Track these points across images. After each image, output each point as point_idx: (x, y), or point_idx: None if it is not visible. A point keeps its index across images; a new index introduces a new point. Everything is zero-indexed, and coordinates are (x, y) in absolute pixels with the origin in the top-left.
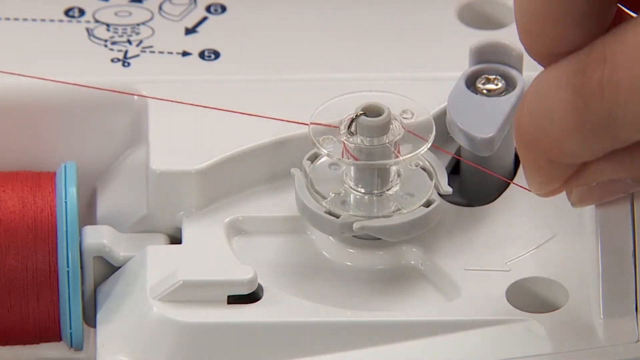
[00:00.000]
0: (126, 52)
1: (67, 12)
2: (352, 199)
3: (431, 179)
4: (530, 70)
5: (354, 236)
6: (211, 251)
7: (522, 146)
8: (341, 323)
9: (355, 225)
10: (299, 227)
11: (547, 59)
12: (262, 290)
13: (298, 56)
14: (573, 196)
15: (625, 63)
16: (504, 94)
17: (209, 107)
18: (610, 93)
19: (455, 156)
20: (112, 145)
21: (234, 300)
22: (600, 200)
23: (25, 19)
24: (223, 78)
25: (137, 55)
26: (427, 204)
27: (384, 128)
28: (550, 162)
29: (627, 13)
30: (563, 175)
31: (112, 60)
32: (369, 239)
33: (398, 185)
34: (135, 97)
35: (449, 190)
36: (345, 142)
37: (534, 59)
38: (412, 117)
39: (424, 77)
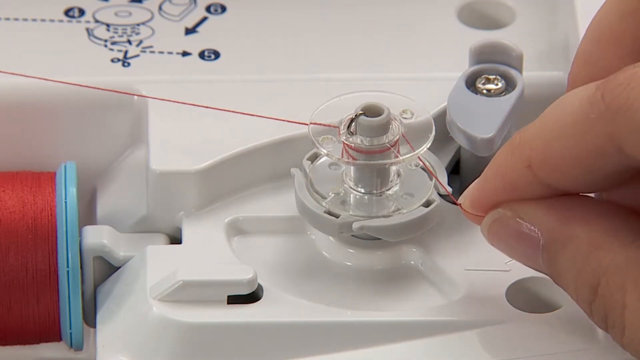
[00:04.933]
0: (126, 52)
1: (67, 12)
2: (351, 199)
3: (431, 179)
4: (530, 70)
5: (354, 236)
6: (211, 251)
7: (510, 155)
8: (341, 323)
9: (355, 225)
10: (299, 227)
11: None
12: (262, 290)
13: (298, 56)
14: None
15: None
16: (504, 94)
17: (209, 107)
18: None
19: None
20: (112, 145)
21: (234, 300)
22: (508, 244)
23: (25, 19)
24: (223, 78)
25: (137, 55)
26: (427, 204)
27: (384, 128)
28: (518, 180)
29: None
30: (517, 194)
31: (112, 60)
32: (368, 239)
33: (398, 185)
34: (135, 97)
35: (448, 190)
36: (345, 142)
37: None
38: (412, 117)
39: (424, 77)
